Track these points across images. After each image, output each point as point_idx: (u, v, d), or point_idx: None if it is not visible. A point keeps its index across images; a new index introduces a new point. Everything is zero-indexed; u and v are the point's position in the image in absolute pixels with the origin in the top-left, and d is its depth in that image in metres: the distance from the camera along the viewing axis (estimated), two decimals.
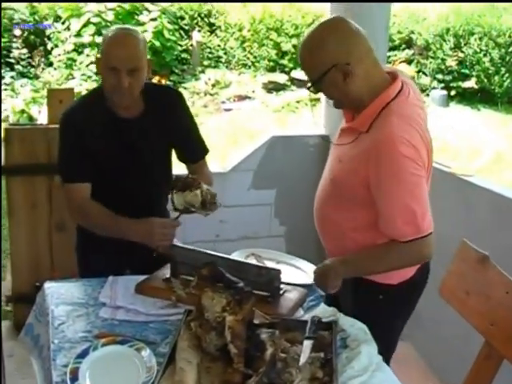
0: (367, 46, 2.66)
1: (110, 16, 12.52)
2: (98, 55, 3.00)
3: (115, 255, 3.03)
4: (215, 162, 3.38)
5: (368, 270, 2.76)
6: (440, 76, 14.32)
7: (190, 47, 13.86)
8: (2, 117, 10.20)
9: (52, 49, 12.83)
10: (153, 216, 2.93)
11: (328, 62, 2.56)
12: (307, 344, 2.23)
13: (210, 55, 14.21)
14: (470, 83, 14.23)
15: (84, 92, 10.88)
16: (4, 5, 12.87)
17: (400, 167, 2.52)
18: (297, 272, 3.04)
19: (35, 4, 13.28)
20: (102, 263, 3.03)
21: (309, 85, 2.68)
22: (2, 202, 5.44)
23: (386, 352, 2.61)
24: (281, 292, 2.71)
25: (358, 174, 2.60)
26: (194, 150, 3.29)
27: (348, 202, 2.71)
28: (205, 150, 3.32)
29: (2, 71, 12.00)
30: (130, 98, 2.94)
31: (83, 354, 2.23)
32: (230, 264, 2.71)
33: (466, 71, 14.25)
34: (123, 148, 3.03)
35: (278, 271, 2.71)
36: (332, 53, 2.57)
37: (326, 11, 5.08)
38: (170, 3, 13.73)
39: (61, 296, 2.71)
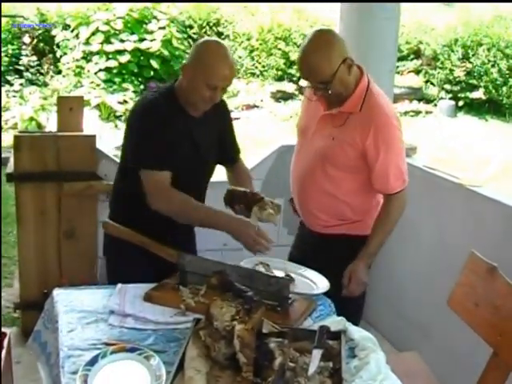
0: None
1: (119, 24, 12.55)
2: (189, 64, 3.04)
3: (143, 259, 3.05)
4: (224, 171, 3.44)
5: (385, 239, 3.30)
6: (448, 86, 14.32)
7: None
8: (11, 124, 10.23)
9: (61, 56, 12.86)
10: None
11: (339, 58, 3.04)
12: (316, 353, 2.23)
13: None
14: (478, 94, 14.23)
15: (93, 100, 10.94)
16: (13, 12, 12.94)
17: (393, 136, 3.17)
18: (305, 282, 3.04)
19: (44, 12, 13.33)
20: (131, 266, 3.04)
21: (321, 86, 3.10)
22: (1, 208, 5.45)
23: (362, 301, 3.52)
24: (290, 302, 2.71)
25: (355, 147, 3.14)
26: (234, 150, 3.46)
27: (338, 171, 3.23)
28: (239, 149, 3.49)
29: (12, 78, 12.04)
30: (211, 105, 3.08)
31: (92, 362, 2.22)
32: (239, 273, 2.72)
33: (474, 82, 14.24)
34: (192, 144, 3.12)
35: (288, 281, 2.72)
36: (339, 51, 3.06)
37: (334, 20, 5.09)
38: (178, 12, 13.76)
39: (70, 303, 2.71)
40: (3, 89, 11.44)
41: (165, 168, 2.99)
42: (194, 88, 2.99)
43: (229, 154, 3.42)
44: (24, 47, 12.44)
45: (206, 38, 3.07)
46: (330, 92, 3.09)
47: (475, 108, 14.31)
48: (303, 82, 3.45)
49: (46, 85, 12.19)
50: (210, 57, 2.97)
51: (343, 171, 3.24)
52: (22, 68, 12.32)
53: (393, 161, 3.18)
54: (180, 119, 3.07)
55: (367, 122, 3.11)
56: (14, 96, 11.39)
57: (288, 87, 13.73)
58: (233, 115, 12.08)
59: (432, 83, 14.59)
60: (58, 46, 12.99)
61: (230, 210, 3.07)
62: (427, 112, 13.97)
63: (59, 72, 12.72)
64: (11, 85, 11.79)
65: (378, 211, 3.34)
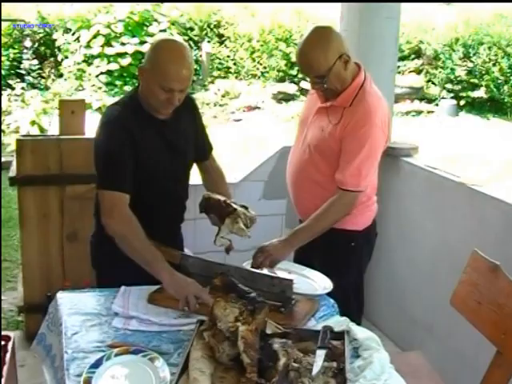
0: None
1: (120, 27, 12.57)
2: (145, 65, 2.94)
3: (134, 268, 3.01)
4: (225, 173, 3.42)
5: (317, 233, 3.28)
6: (449, 86, 14.34)
7: (200, 58, 13.91)
8: (13, 128, 10.23)
9: (62, 60, 12.89)
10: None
11: (335, 54, 3.14)
12: (320, 354, 2.23)
13: (220, 66, 14.26)
14: (480, 93, 14.24)
15: (94, 103, 10.95)
16: (14, 16, 12.96)
17: (369, 134, 3.19)
18: (308, 282, 3.04)
19: (45, 16, 13.35)
20: (122, 276, 2.98)
21: (317, 81, 3.22)
22: (1, 211, 5.46)
23: (359, 295, 3.60)
24: (293, 302, 2.72)
25: (335, 138, 3.24)
26: (205, 148, 3.38)
27: (326, 162, 3.32)
28: (211, 146, 3.41)
29: (13, 82, 12.05)
30: (173, 108, 2.99)
31: (97, 364, 2.23)
32: (242, 274, 2.72)
33: (476, 81, 14.26)
34: (164, 147, 3.06)
35: (291, 281, 2.72)
36: (336, 46, 3.16)
37: (335, 21, 5.09)
38: (179, 14, 13.76)
39: (74, 306, 2.72)
40: (5, 93, 11.46)
41: (123, 189, 2.90)
42: (150, 91, 2.92)
43: (201, 151, 3.34)
44: (25, 51, 12.47)
45: (164, 37, 2.93)
46: (325, 86, 3.19)
47: (477, 107, 14.33)
48: (304, 84, 3.51)
49: (47, 88, 12.22)
50: (164, 58, 2.87)
51: (330, 163, 3.30)
52: (23, 72, 12.34)
53: (356, 159, 3.20)
54: (149, 126, 3.01)
55: (351, 115, 3.21)
56: (16, 100, 11.40)
57: (289, 88, 13.74)
58: (234, 117, 12.00)
59: (433, 83, 14.60)
60: (59, 50, 13.02)
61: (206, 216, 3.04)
62: (429, 111, 13.99)
63: (60, 75, 12.75)
64: (13, 89, 11.81)
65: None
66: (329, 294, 2.93)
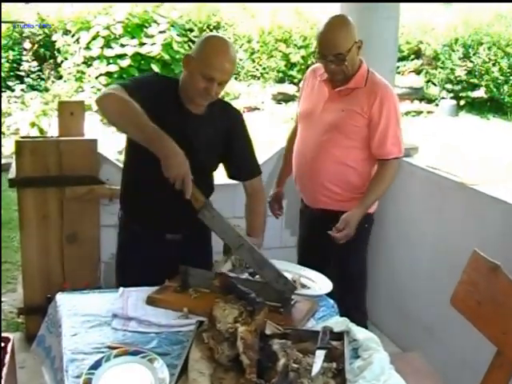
0: None
1: (119, 29, 12.57)
2: (191, 54, 3.05)
3: (156, 264, 3.04)
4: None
5: (378, 198, 3.77)
6: (449, 86, 14.35)
7: None
8: (13, 130, 10.23)
9: (62, 62, 12.88)
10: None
11: (354, 37, 3.53)
12: (319, 354, 2.23)
13: None
14: (479, 93, 14.25)
15: (94, 104, 10.94)
16: (14, 18, 12.97)
17: (394, 107, 3.67)
18: (308, 283, 3.04)
19: (44, 17, 13.36)
20: (141, 273, 3.03)
21: (336, 60, 3.52)
22: (1, 213, 5.46)
23: (364, 276, 3.97)
24: (292, 303, 2.71)
25: (363, 115, 3.62)
26: (250, 168, 3.35)
27: (348, 140, 3.67)
28: (259, 170, 3.38)
29: (13, 84, 12.05)
30: (208, 101, 3.07)
31: (96, 365, 2.22)
32: (254, 256, 2.74)
33: (475, 81, 14.26)
34: (181, 136, 2.90)
35: (294, 287, 2.74)
36: (354, 32, 3.54)
37: None
38: (178, 15, 13.76)
39: (73, 307, 2.71)
40: (4, 94, 11.46)
41: (129, 92, 2.89)
42: (191, 78, 2.99)
43: (244, 170, 3.33)
44: (25, 53, 12.47)
45: (213, 33, 3.11)
46: (346, 64, 3.52)
47: (477, 107, 14.33)
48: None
49: (47, 90, 12.21)
50: (209, 48, 2.98)
51: (353, 140, 3.68)
52: (22, 73, 12.34)
53: (392, 128, 3.63)
54: (176, 112, 3.06)
55: (373, 92, 3.62)
56: (16, 102, 11.40)
57: (289, 89, 13.75)
58: None
59: (433, 83, 14.61)
60: (58, 52, 13.02)
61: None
62: (429, 112, 13.99)
63: (60, 77, 12.75)
64: (12, 90, 11.81)
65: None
66: (328, 295, 2.93)
